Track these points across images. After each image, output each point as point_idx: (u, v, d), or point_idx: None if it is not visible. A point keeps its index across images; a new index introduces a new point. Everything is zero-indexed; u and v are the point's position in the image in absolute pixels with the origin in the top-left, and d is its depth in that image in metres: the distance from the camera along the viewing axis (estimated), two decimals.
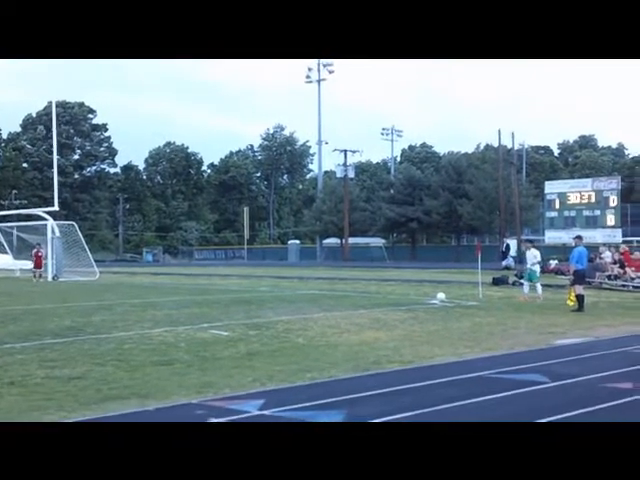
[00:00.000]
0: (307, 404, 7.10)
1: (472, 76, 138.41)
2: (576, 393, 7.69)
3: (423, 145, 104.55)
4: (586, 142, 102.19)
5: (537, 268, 20.01)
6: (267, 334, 12.68)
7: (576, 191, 41.92)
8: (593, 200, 40.78)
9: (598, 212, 40.52)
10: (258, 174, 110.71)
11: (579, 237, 18.47)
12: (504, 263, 39.30)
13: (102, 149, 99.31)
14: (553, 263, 34.43)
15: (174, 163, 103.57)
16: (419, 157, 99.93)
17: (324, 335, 12.50)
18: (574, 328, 13.61)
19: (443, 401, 7.16)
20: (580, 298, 16.89)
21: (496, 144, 55.98)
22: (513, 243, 43.21)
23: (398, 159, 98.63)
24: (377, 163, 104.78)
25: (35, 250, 35.20)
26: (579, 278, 17.36)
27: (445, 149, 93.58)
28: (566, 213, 41.90)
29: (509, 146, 57.57)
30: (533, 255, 19.88)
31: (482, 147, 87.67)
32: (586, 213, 41.06)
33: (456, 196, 61.50)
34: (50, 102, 42.11)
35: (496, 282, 26.04)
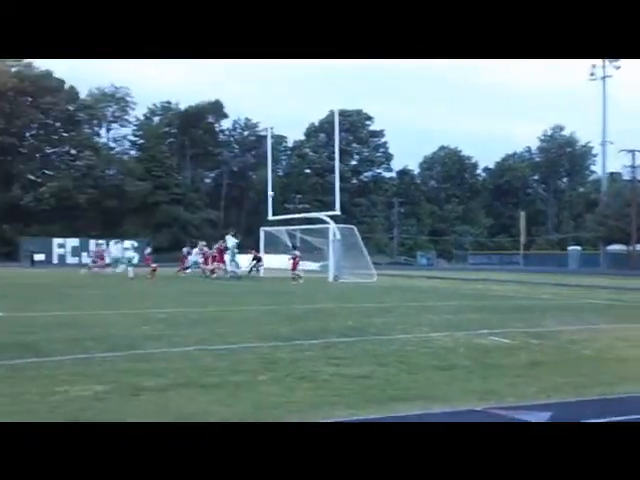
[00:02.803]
0: (599, 420, 6.66)
1: None
2: None
3: None
4: None
5: None
6: (549, 344, 12.16)
7: None
8: None
9: None
10: (535, 177, 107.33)
11: None
12: None
13: (379, 154, 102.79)
14: None
15: (448, 167, 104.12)
16: None
17: (613, 348, 11.68)
18: None
19: None
20: None
21: None
22: None
23: None
24: None
25: (292, 256, 35.29)
26: None
27: None
28: None
29: None
30: None
31: None
32: None
33: None
34: (332, 111, 44.36)
35: None
